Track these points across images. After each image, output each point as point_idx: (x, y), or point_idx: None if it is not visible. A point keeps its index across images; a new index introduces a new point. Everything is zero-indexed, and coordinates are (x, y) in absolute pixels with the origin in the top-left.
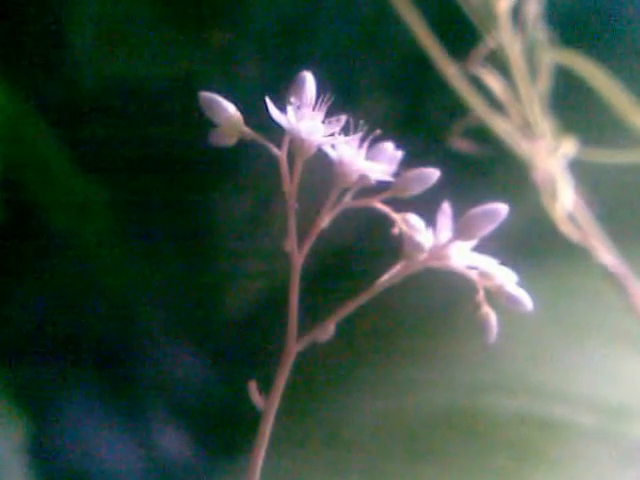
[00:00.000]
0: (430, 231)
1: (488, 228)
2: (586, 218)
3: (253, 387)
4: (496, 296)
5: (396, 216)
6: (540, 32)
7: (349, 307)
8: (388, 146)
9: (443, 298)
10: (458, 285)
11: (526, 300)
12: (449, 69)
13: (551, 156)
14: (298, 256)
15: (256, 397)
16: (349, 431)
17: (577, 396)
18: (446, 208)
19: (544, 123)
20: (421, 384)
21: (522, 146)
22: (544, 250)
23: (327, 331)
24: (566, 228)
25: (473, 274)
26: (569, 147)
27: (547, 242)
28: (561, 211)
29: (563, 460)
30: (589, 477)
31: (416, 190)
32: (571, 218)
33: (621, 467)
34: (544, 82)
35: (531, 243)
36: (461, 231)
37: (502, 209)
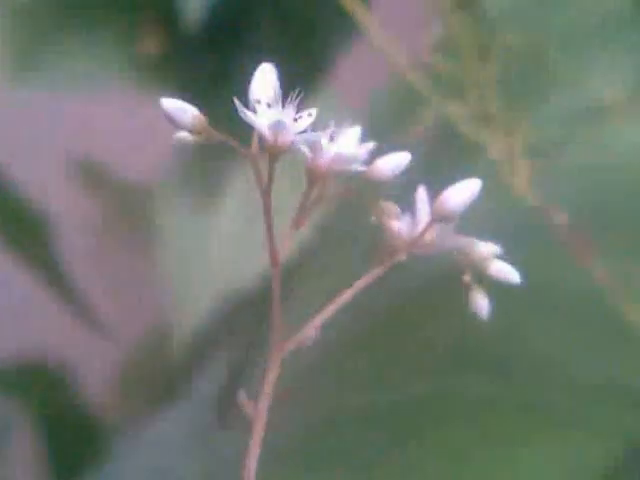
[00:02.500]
0: (408, 217)
1: (464, 206)
2: (546, 191)
3: (242, 396)
4: (482, 271)
5: (372, 204)
6: (489, 14)
7: (334, 306)
8: (355, 132)
9: (414, 283)
10: (429, 269)
11: (512, 272)
12: (400, 58)
13: (507, 138)
14: (278, 255)
15: (246, 405)
16: (331, 424)
17: (554, 379)
18: (422, 193)
19: (499, 106)
20: (399, 374)
21: (478, 130)
22: (516, 234)
23: (313, 333)
24: (524, 192)
25: (457, 255)
26: (525, 128)
27: (519, 225)
28: (520, 183)
29: (540, 443)
30: (568, 459)
31: (388, 175)
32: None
33: None
34: (495, 65)
35: (503, 226)
36: (437, 214)
37: (474, 184)
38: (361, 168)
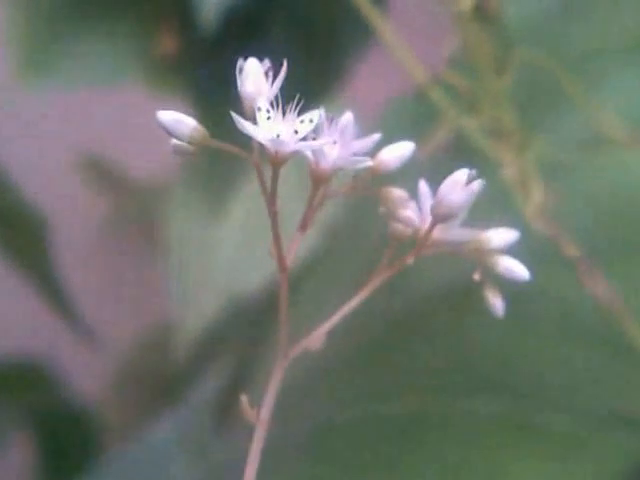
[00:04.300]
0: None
1: (464, 199)
2: (555, 214)
3: (245, 401)
4: (492, 268)
5: (378, 193)
6: (505, 29)
7: (341, 313)
8: (349, 121)
9: (413, 301)
10: (430, 287)
11: (521, 269)
12: (417, 68)
13: (520, 154)
14: (285, 261)
15: (248, 412)
16: (323, 438)
17: (554, 398)
18: (424, 188)
19: (512, 122)
20: (395, 389)
21: (492, 145)
22: (524, 252)
23: (319, 339)
24: (537, 224)
25: (469, 251)
26: (538, 146)
27: (528, 244)
28: (532, 208)
29: (542, 464)
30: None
31: (394, 165)
32: (542, 214)
33: None
34: (509, 80)
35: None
36: (438, 212)
37: (461, 174)
38: (367, 164)
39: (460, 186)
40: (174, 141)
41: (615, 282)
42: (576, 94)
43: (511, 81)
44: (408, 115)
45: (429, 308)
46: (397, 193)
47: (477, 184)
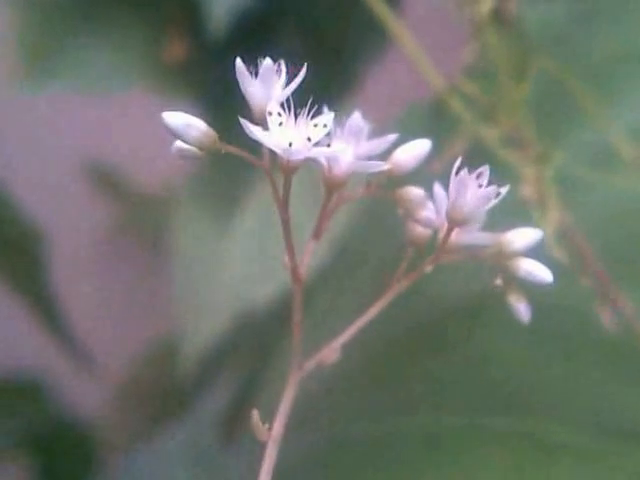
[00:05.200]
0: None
1: (477, 202)
2: (574, 235)
3: (256, 417)
4: (513, 272)
5: (395, 195)
6: (524, 36)
7: (355, 327)
8: (361, 123)
9: (428, 316)
10: (444, 298)
11: (544, 270)
12: (434, 75)
13: (539, 165)
14: (299, 270)
15: (260, 428)
16: (338, 455)
17: (572, 415)
18: (439, 191)
19: (530, 131)
20: (410, 405)
21: (510, 155)
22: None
23: (334, 351)
24: (556, 252)
25: (490, 256)
26: (556, 159)
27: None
28: (550, 228)
29: None
30: None
31: (410, 165)
32: (560, 236)
33: None
34: (527, 88)
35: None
36: (453, 216)
37: (466, 176)
38: (382, 168)
39: (468, 187)
40: (178, 144)
41: (630, 299)
42: (591, 109)
43: (529, 89)
44: (423, 123)
45: (444, 320)
46: (415, 192)
47: (492, 189)
